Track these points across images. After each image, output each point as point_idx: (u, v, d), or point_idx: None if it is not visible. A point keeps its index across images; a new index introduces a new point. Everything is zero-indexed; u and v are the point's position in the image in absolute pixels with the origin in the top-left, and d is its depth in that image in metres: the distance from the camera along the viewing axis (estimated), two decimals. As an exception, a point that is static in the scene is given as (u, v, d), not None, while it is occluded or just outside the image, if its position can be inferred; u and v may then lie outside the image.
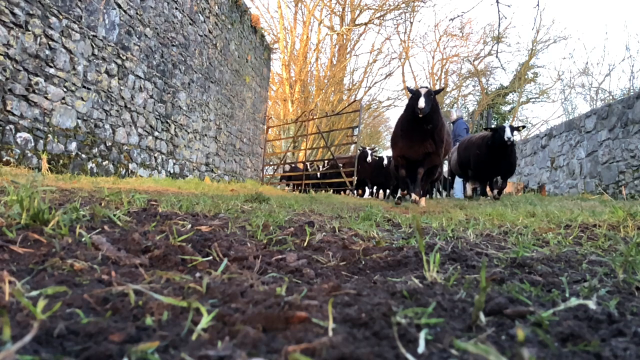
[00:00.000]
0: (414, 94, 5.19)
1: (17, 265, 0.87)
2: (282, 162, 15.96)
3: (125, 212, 1.60)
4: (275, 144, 20.63)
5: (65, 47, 5.43)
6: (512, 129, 6.68)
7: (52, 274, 0.82)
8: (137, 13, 7.07)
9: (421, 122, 5.22)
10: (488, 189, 8.18)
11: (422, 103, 4.87)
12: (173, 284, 0.79)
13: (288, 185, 14.65)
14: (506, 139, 6.56)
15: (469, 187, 9.17)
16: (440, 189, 13.05)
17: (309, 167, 15.05)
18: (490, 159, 7.11)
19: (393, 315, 0.63)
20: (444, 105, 28.17)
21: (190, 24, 9.11)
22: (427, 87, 5.15)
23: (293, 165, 16.23)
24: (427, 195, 9.59)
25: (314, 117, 15.21)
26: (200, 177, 9.98)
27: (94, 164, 6.09)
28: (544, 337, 0.56)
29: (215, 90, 10.83)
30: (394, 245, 1.42)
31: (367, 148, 12.08)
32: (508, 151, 6.94)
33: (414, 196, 5.65)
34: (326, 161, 14.39)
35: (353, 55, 28.23)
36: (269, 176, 14.98)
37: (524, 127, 7.14)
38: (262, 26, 15.16)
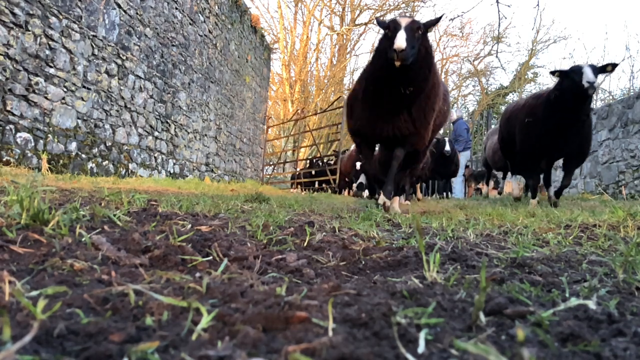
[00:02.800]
0: (388, 28, 3.05)
1: (17, 265, 0.87)
2: (283, 161, 15.97)
3: (125, 212, 1.60)
4: (275, 144, 20.66)
5: (65, 47, 5.43)
6: (596, 69, 3.90)
7: (52, 274, 0.82)
8: (137, 13, 7.07)
9: (398, 78, 3.07)
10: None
11: (400, 41, 2.80)
12: (173, 284, 0.79)
13: (293, 185, 14.18)
14: (585, 83, 3.75)
15: (515, 184, 5.78)
16: (450, 189, 10.07)
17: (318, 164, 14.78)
18: (555, 125, 4.21)
19: (393, 315, 0.63)
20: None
21: (190, 24, 9.11)
22: (410, 17, 3.07)
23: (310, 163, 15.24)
24: (405, 195, 6.89)
25: (305, 115, 15.27)
26: (200, 177, 9.98)
27: (94, 164, 6.09)
28: (544, 337, 0.56)
29: (215, 90, 10.83)
30: (394, 245, 1.42)
31: None
32: (584, 111, 4.10)
33: (382, 198, 3.54)
34: (316, 159, 14.33)
35: (353, 55, 28.25)
36: (268, 176, 14.99)
37: (615, 65, 3.97)
38: (262, 26, 15.18)
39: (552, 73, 4.22)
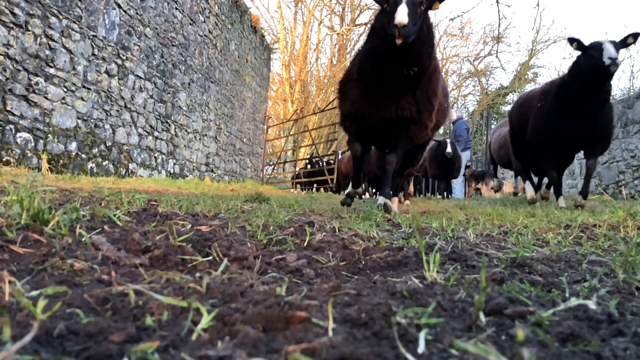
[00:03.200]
0: (387, 2, 2.75)
1: (17, 265, 0.87)
2: (283, 161, 15.96)
3: (125, 212, 1.60)
4: (275, 144, 20.68)
5: (65, 47, 5.43)
6: (617, 44, 3.62)
7: (52, 274, 0.82)
8: (137, 13, 7.07)
9: (398, 57, 2.79)
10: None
11: (401, 15, 2.52)
12: (173, 284, 0.79)
13: (301, 185, 13.78)
14: (607, 60, 3.46)
15: (529, 187, 5.03)
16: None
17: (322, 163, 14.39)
18: (572, 107, 3.80)
19: (393, 315, 0.63)
20: (444, 105, 28.06)
21: (190, 24, 9.11)
22: None
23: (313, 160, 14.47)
24: (402, 194, 6.51)
25: (304, 115, 15.33)
26: (200, 177, 9.98)
27: (94, 164, 6.09)
28: (544, 337, 0.56)
29: (215, 90, 10.83)
30: (394, 245, 1.42)
31: None
32: (605, 91, 3.74)
33: (381, 199, 3.20)
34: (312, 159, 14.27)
35: (353, 55, 28.25)
36: (268, 176, 14.99)
37: (637, 35, 3.65)
38: (262, 26, 15.19)
39: (570, 41, 3.82)
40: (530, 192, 4.96)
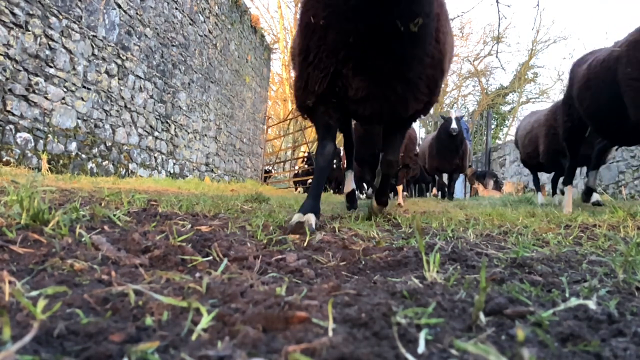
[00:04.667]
0: None
1: (17, 265, 0.87)
2: (282, 160, 15.97)
3: (125, 212, 1.60)
4: (275, 144, 20.68)
5: (65, 47, 5.43)
6: None
7: (52, 274, 0.82)
8: (137, 13, 7.06)
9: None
10: None
11: None
12: (173, 284, 0.79)
13: (302, 184, 13.76)
14: None
15: (567, 197, 3.86)
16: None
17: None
18: None
19: (393, 315, 0.63)
20: (444, 106, 28.13)
21: (190, 24, 9.11)
22: None
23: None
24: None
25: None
26: (200, 177, 9.98)
27: (94, 164, 6.09)
28: (544, 337, 0.56)
29: (215, 90, 10.83)
30: (394, 245, 1.42)
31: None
32: None
33: (378, 207, 2.57)
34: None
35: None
36: (268, 175, 15.02)
37: None
38: (262, 26, 15.19)
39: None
40: (568, 206, 3.77)
